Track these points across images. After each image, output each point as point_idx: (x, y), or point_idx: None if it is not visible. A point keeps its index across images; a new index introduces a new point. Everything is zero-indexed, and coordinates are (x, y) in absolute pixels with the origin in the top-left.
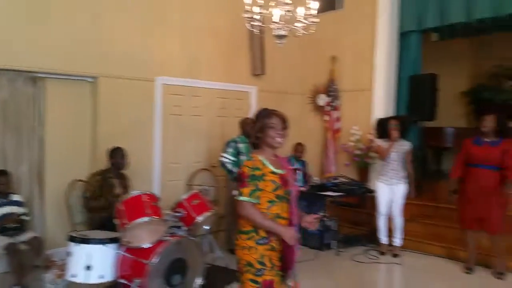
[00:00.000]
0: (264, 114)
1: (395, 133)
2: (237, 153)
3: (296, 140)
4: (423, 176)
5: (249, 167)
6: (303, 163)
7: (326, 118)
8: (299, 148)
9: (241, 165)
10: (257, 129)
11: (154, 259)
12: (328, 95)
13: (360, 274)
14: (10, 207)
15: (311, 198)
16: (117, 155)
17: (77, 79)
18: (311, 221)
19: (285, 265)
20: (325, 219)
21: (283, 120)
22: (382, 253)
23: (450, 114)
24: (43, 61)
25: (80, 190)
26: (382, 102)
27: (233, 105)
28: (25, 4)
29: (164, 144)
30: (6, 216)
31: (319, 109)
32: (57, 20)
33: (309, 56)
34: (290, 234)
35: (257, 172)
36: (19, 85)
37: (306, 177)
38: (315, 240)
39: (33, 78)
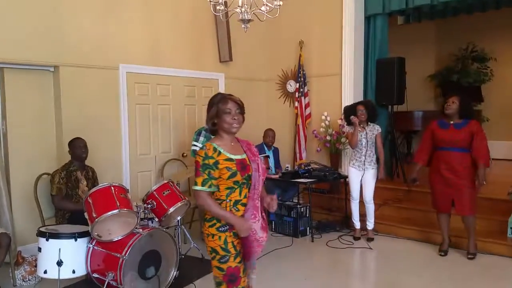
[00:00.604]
0: (219, 99)
1: (361, 118)
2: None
3: (266, 126)
4: (394, 160)
5: (201, 156)
6: (274, 150)
7: (296, 104)
8: (269, 133)
9: None
10: (212, 115)
11: (126, 253)
12: (297, 81)
13: (335, 259)
14: None
15: (284, 185)
16: (76, 146)
17: (38, 69)
18: (269, 202)
19: (243, 256)
20: (299, 206)
21: (239, 105)
22: (356, 238)
23: (418, 97)
24: (0, 50)
25: (47, 184)
26: (351, 87)
27: (201, 93)
28: None
29: (132, 135)
30: None
31: (289, 95)
32: (15, 8)
33: (277, 41)
34: (242, 226)
35: (210, 161)
36: None
37: (277, 164)
38: (290, 227)
39: None
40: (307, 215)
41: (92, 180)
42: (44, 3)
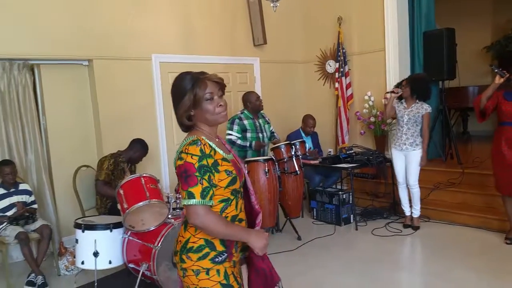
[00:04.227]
0: (192, 83)
1: (403, 91)
2: (242, 130)
3: (305, 111)
4: (447, 140)
5: (195, 155)
6: (313, 134)
7: (337, 85)
8: (310, 122)
9: (248, 142)
10: (186, 107)
11: (159, 243)
12: (337, 60)
13: (381, 248)
14: (18, 196)
15: (325, 171)
16: (141, 149)
17: (72, 63)
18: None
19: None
20: (340, 192)
21: (220, 83)
22: (406, 226)
23: (472, 71)
24: (36, 47)
25: (87, 176)
26: (396, 63)
27: (236, 79)
28: None
29: (168, 124)
30: (15, 205)
31: (329, 76)
32: (48, 5)
33: (313, 20)
34: (260, 242)
35: (209, 161)
36: (15, 73)
37: (318, 150)
38: (332, 215)
39: (28, 66)
40: (350, 202)
41: (134, 173)
42: (77, 1)
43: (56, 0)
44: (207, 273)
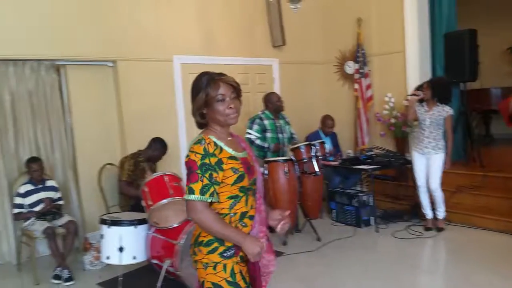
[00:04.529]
0: (206, 83)
1: (424, 94)
2: (262, 130)
3: (324, 112)
4: (469, 143)
5: (199, 153)
6: (332, 135)
7: (356, 86)
8: (328, 122)
9: (267, 142)
10: (200, 105)
11: (182, 239)
12: (356, 61)
13: (402, 251)
14: (45, 192)
15: (345, 172)
16: (160, 148)
17: (98, 64)
18: (278, 219)
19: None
20: (361, 194)
21: (234, 87)
22: (428, 229)
23: (494, 73)
24: (62, 49)
25: (111, 174)
26: (416, 64)
27: (255, 80)
28: None
29: (188, 124)
30: (43, 201)
31: (348, 78)
32: (74, 8)
33: (332, 20)
34: (255, 247)
35: (212, 160)
36: (42, 74)
37: (337, 151)
38: (352, 217)
39: (55, 66)
40: (371, 204)
41: (155, 171)
42: (102, 3)
43: (82, 3)
44: (214, 268)
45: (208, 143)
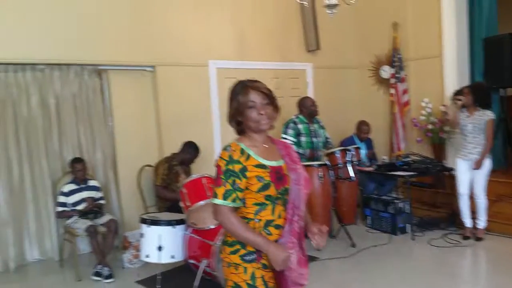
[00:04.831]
0: (239, 90)
1: (464, 99)
2: (296, 134)
3: (358, 117)
4: (509, 150)
5: (224, 159)
6: (368, 142)
7: (392, 91)
8: (364, 128)
9: (302, 146)
10: (234, 112)
11: (219, 240)
12: (392, 66)
13: (439, 260)
14: (88, 191)
15: (380, 178)
16: (192, 151)
17: (138, 69)
18: (315, 234)
19: None
20: (397, 200)
21: (265, 93)
22: (466, 238)
23: None
24: (105, 54)
25: (149, 175)
26: (454, 70)
27: (288, 85)
28: (87, 1)
29: (223, 129)
30: (85, 200)
31: (383, 82)
32: (117, 16)
33: (367, 25)
34: (278, 255)
35: (235, 166)
36: (85, 78)
37: (372, 156)
38: (388, 224)
39: (98, 71)
40: (407, 211)
41: (189, 174)
42: (141, 10)
43: (123, 10)
44: (236, 268)
45: (234, 150)
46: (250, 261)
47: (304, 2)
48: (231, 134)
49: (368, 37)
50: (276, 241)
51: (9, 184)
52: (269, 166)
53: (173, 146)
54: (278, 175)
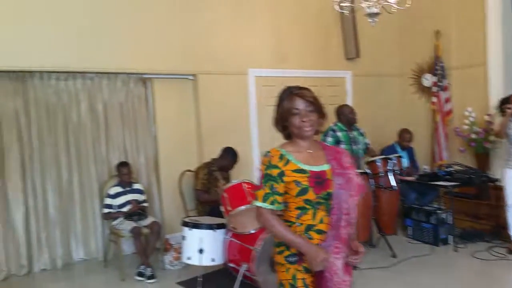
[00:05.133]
0: (284, 96)
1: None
2: (336, 142)
3: (399, 126)
4: None
5: (264, 164)
6: (410, 150)
7: (434, 99)
8: (406, 136)
9: None
10: (279, 118)
11: (259, 245)
12: (434, 74)
13: (484, 273)
14: (132, 194)
15: (422, 188)
16: (231, 158)
17: (180, 78)
18: (352, 252)
19: None
20: (439, 211)
21: (309, 101)
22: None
23: None
24: (150, 63)
25: (190, 180)
26: (499, 78)
27: (327, 92)
28: (134, 13)
29: (261, 135)
30: (130, 202)
31: (425, 90)
32: (160, 26)
33: (408, 33)
34: (317, 256)
35: (273, 171)
36: (131, 86)
37: (414, 166)
38: (429, 234)
39: (143, 79)
40: (449, 222)
41: (228, 179)
42: (184, 23)
43: (166, 22)
44: (281, 268)
45: (273, 156)
46: (292, 263)
47: (345, 11)
48: (270, 141)
49: (409, 45)
50: (317, 245)
51: (59, 187)
52: (309, 171)
53: (213, 152)
54: (319, 180)
